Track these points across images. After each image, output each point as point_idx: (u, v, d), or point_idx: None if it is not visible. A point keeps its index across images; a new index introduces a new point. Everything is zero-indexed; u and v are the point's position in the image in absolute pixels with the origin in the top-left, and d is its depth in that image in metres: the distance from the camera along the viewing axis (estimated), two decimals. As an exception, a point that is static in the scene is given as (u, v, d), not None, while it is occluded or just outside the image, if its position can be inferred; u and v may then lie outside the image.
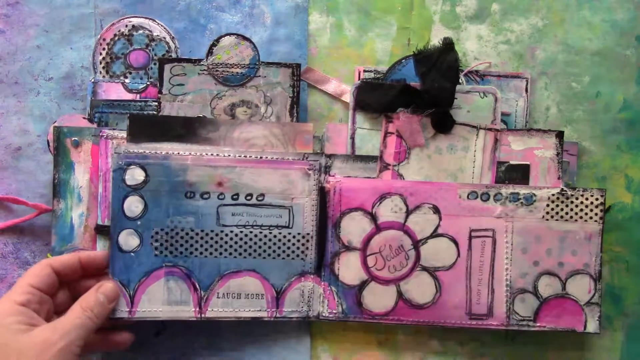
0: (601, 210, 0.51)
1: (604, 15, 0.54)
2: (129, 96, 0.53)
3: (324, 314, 0.51)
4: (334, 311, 0.51)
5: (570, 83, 0.54)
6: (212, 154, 0.51)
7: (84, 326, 0.44)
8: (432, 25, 0.54)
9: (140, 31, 0.53)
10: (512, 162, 0.52)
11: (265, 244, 0.51)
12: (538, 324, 0.51)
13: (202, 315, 0.50)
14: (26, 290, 0.45)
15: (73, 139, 0.51)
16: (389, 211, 0.51)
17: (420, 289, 0.51)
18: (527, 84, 0.54)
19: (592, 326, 0.51)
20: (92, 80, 0.53)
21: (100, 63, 0.53)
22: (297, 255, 0.51)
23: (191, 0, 0.54)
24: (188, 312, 0.50)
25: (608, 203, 0.54)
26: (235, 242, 0.51)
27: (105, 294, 0.47)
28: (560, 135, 0.52)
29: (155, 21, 0.53)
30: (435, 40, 0.54)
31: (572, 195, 0.51)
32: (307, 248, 0.51)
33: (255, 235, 0.51)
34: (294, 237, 0.51)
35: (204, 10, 0.54)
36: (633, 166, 0.54)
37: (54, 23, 0.54)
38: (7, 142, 0.53)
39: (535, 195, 0.51)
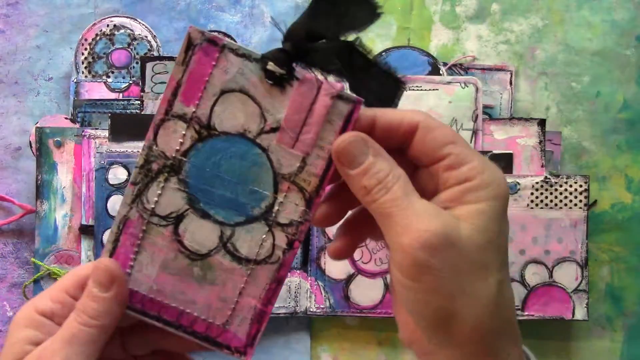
0: (585, 197, 0.51)
1: (604, 15, 0.54)
2: (112, 95, 0.53)
3: (311, 309, 0.51)
4: (322, 306, 0.51)
5: (570, 83, 0.54)
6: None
7: (77, 339, 0.30)
8: (432, 25, 0.54)
9: (122, 30, 0.53)
10: (495, 152, 0.52)
11: (250, 239, 0.51)
12: (526, 313, 0.51)
13: (189, 313, 0.50)
14: (56, 297, 0.32)
15: (55, 139, 0.51)
16: (373, 204, 0.51)
17: (407, 281, 0.51)
18: (511, 76, 0.54)
19: (580, 313, 0.50)
20: (75, 80, 0.53)
21: (83, 63, 0.53)
22: (283, 250, 0.51)
23: (191, 0, 0.54)
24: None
25: (609, 202, 0.54)
26: (220, 239, 0.50)
27: (97, 280, 0.31)
28: (542, 123, 0.52)
29: (136, 20, 0.53)
30: (435, 40, 0.54)
31: (555, 182, 0.51)
32: (292, 243, 0.51)
33: (240, 231, 0.51)
34: (279, 232, 0.51)
35: (204, 10, 0.54)
36: (633, 166, 0.54)
37: (54, 23, 0.54)
38: (7, 142, 0.53)
39: (519, 184, 0.51)
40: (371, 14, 0.30)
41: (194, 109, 0.32)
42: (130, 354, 0.34)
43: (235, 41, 0.53)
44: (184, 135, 0.32)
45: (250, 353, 0.33)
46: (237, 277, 0.33)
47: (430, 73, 0.53)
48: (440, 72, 0.53)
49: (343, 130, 0.30)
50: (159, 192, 0.32)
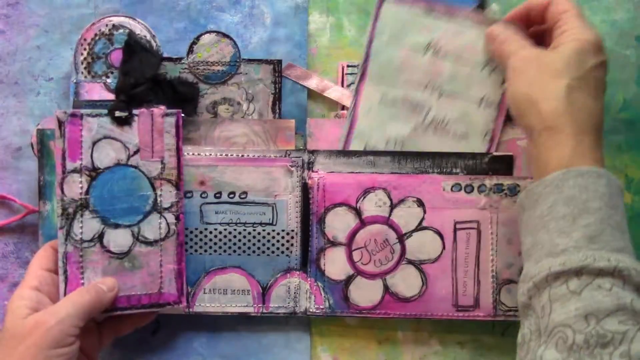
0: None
1: (604, 15, 0.54)
2: (111, 96, 0.53)
3: (310, 310, 0.51)
4: (321, 306, 0.51)
5: (570, 83, 0.54)
6: (193, 154, 0.51)
7: (77, 304, 0.44)
8: (431, 25, 0.54)
9: (121, 30, 0.53)
10: (495, 153, 0.51)
11: (249, 241, 0.51)
12: (525, 315, 0.51)
13: (190, 310, 0.51)
14: (37, 273, 0.46)
15: (56, 140, 0.52)
16: (373, 205, 0.51)
17: (406, 282, 0.51)
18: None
19: (578, 316, 0.51)
20: (74, 81, 0.53)
21: (82, 63, 0.53)
22: (282, 252, 0.51)
23: (191, 0, 0.54)
24: (176, 306, 0.50)
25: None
26: (220, 240, 0.51)
27: (105, 284, 0.47)
28: (543, 125, 0.51)
29: (135, 20, 0.53)
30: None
31: (556, 185, 0.51)
32: (291, 244, 0.51)
33: (240, 233, 0.51)
34: (278, 233, 0.51)
35: (204, 10, 0.54)
36: (633, 166, 0.54)
37: (54, 23, 0.54)
38: (7, 142, 0.54)
39: (519, 185, 0.51)
40: (156, 66, 0.51)
41: (80, 162, 0.47)
42: (103, 344, 0.49)
43: (235, 42, 0.53)
44: (81, 181, 0.47)
45: (183, 300, 0.49)
46: (154, 255, 0.48)
47: (479, 7, 0.52)
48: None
49: (177, 133, 0.49)
50: (81, 225, 0.47)
